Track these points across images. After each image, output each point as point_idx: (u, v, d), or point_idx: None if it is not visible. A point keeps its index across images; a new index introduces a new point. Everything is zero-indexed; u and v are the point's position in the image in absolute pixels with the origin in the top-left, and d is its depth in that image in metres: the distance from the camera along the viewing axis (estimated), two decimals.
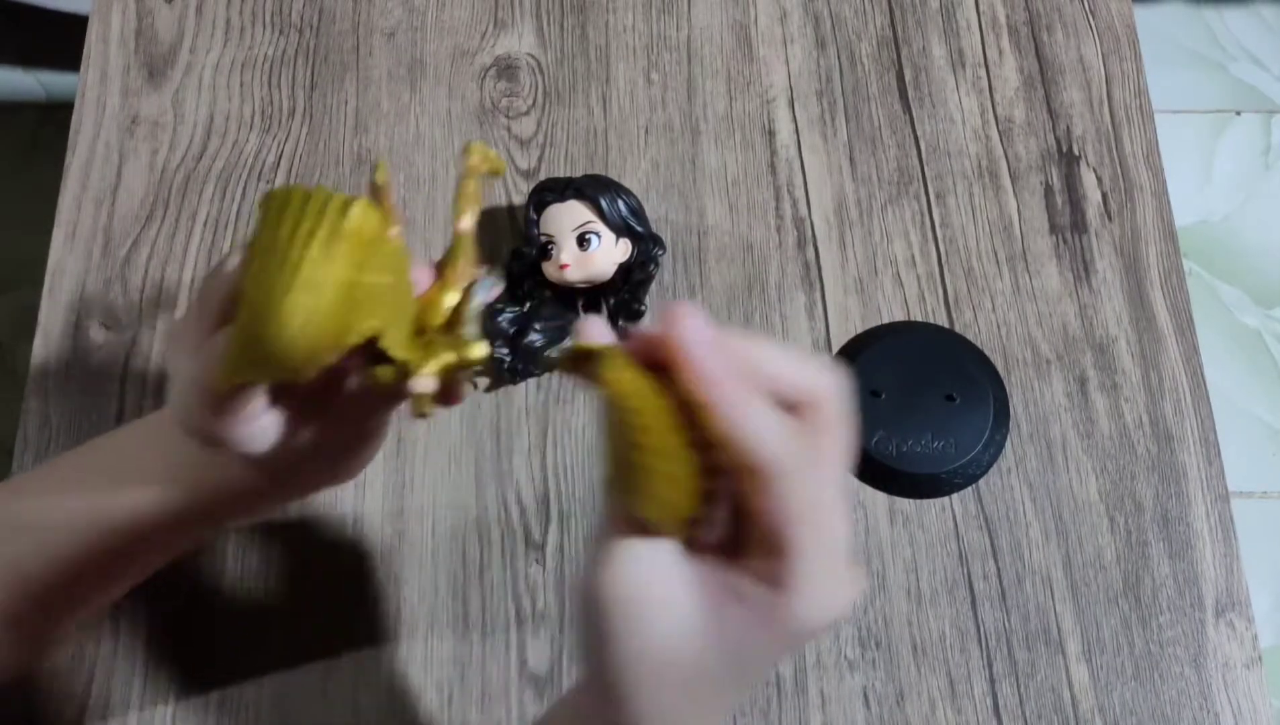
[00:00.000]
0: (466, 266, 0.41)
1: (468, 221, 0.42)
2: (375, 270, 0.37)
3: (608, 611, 0.32)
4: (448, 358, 0.39)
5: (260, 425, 0.40)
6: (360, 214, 0.36)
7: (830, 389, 0.33)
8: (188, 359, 0.40)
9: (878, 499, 0.65)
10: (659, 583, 0.33)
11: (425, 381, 0.38)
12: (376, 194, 0.39)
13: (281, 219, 0.35)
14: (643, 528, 0.33)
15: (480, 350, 0.40)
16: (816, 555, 0.32)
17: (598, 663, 0.34)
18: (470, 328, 0.40)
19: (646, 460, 0.31)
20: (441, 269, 0.41)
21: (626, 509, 0.33)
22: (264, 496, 0.46)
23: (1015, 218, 0.72)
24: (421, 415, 0.39)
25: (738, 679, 0.35)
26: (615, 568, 0.33)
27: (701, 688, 0.34)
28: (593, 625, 0.33)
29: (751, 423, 0.31)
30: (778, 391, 0.33)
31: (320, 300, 0.34)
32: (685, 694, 0.33)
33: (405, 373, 0.38)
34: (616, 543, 0.33)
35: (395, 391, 0.39)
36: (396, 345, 0.38)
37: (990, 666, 0.61)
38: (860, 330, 0.68)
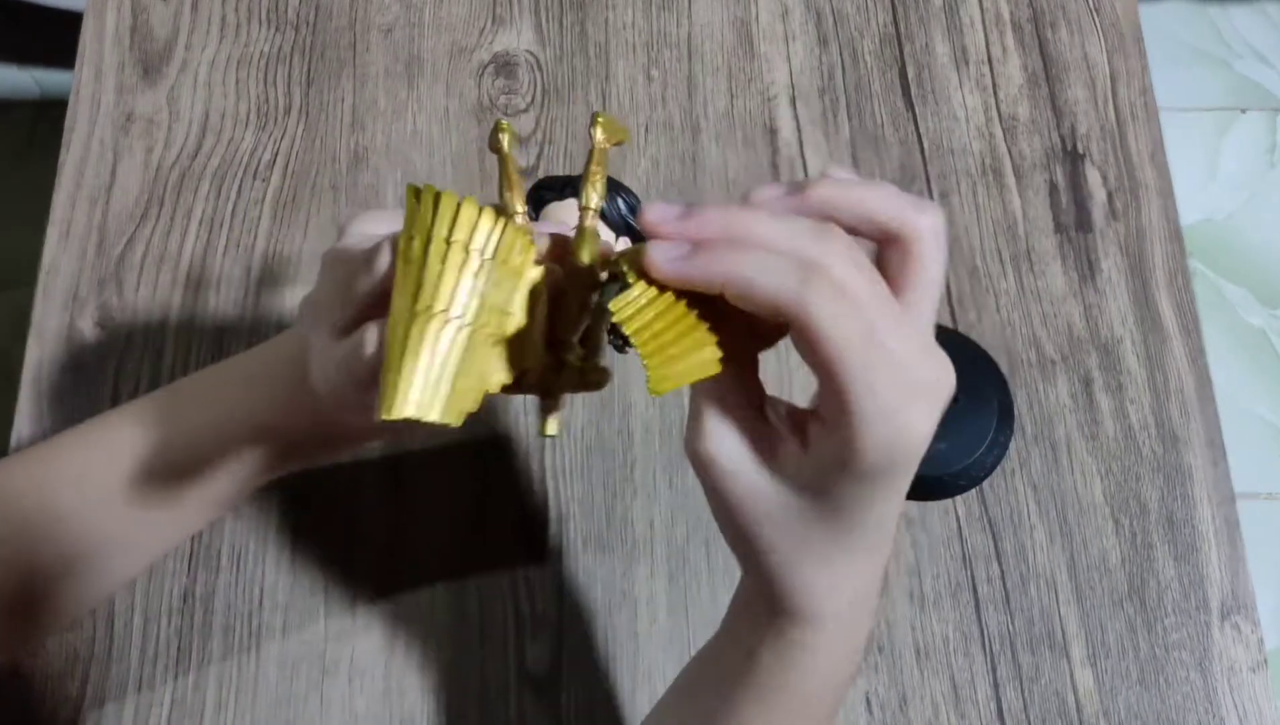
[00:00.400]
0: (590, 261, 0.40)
1: (594, 207, 0.41)
2: (516, 305, 0.37)
3: (701, 470, 0.37)
4: (577, 387, 0.39)
5: None
6: (514, 250, 0.36)
7: (921, 222, 0.36)
8: (330, 339, 0.41)
9: None
10: (730, 443, 0.36)
11: (554, 419, 0.39)
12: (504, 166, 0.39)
13: (430, 238, 0.35)
14: (716, 396, 0.36)
15: (607, 375, 0.40)
16: (865, 378, 0.32)
17: (715, 514, 0.38)
18: (602, 352, 0.40)
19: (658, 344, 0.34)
20: (565, 263, 0.40)
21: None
22: (348, 439, 0.49)
23: (1019, 217, 0.71)
24: (550, 436, 0.40)
25: (844, 523, 0.37)
26: (695, 433, 0.37)
27: (809, 531, 0.37)
28: (700, 481, 0.38)
29: (757, 283, 0.33)
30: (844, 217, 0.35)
31: (447, 392, 0.34)
32: (792, 536, 0.37)
33: (541, 399, 0.39)
34: (699, 410, 0.37)
35: None
36: (532, 378, 0.38)
37: (994, 671, 0.61)
38: None
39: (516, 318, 0.37)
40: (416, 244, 0.35)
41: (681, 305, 0.34)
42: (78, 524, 0.48)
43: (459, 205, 0.35)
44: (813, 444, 0.35)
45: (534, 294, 0.38)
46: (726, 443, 0.36)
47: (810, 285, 0.32)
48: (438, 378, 0.34)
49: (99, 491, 0.48)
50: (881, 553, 0.40)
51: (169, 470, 0.48)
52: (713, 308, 0.34)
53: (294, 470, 0.50)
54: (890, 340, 0.33)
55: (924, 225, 0.37)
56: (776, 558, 0.38)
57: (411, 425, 0.34)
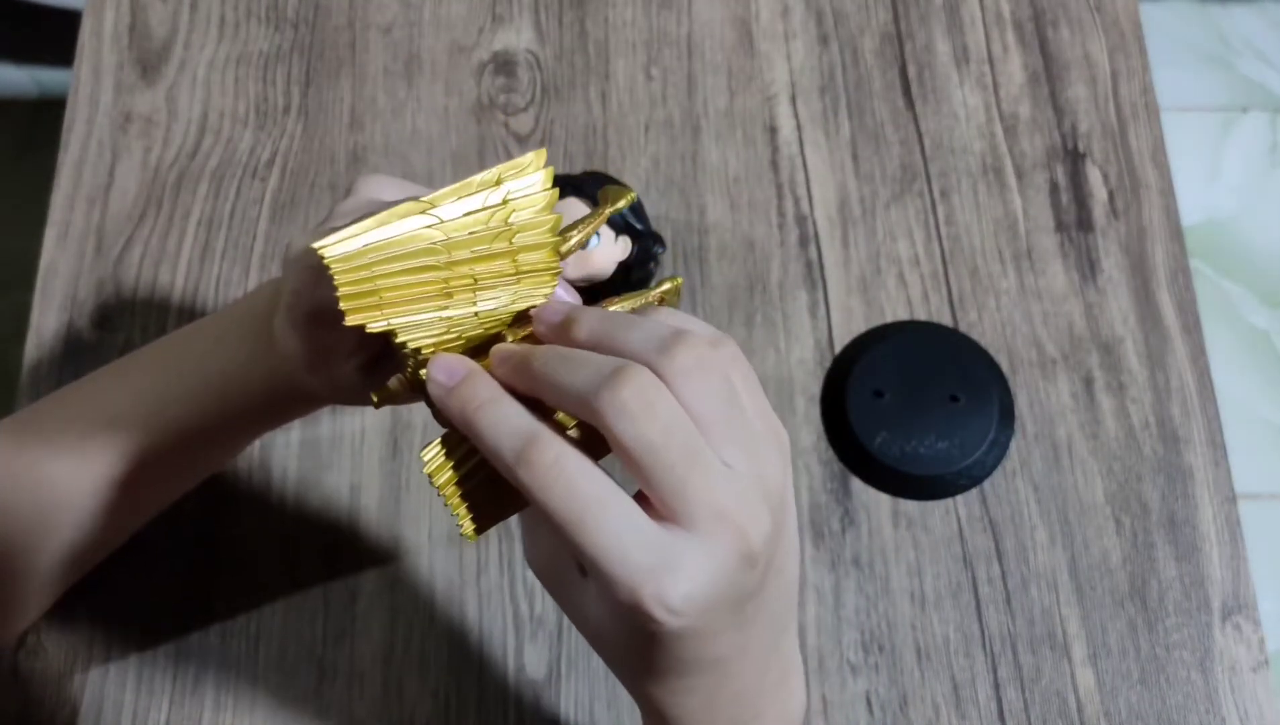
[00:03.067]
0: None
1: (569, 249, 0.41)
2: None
3: (540, 581, 0.38)
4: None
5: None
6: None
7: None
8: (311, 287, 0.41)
9: (881, 501, 0.64)
10: (545, 559, 0.37)
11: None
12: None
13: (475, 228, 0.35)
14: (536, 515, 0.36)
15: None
16: (604, 535, 0.32)
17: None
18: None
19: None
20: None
21: None
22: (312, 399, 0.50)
23: (1020, 216, 0.71)
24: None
25: (658, 658, 0.35)
26: (529, 544, 0.38)
27: (632, 655, 0.36)
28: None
29: (489, 441, 0.34)
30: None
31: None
32: (621, 654, 0.36)
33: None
34: (524, 522, 0.38)
35: None
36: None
37: (995, 671, 0.61)
38: (863, 330, 0.68)
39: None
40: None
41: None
42: (59, 488, 0.49)
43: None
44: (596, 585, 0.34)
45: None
46: (543, 558, 0.37)
47: (608, 389, 0.32)
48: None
49: (75, 457, 0.49)
50: (746, 662, 0.37)
51: (142, 432, 0.49)
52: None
53: (273, 428, 0.52)
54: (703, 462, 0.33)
55: (670, 367, 0.33)
56: (616, 671, 0.37)
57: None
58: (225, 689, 0.60)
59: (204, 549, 0.62)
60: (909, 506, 0.64)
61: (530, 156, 0.36)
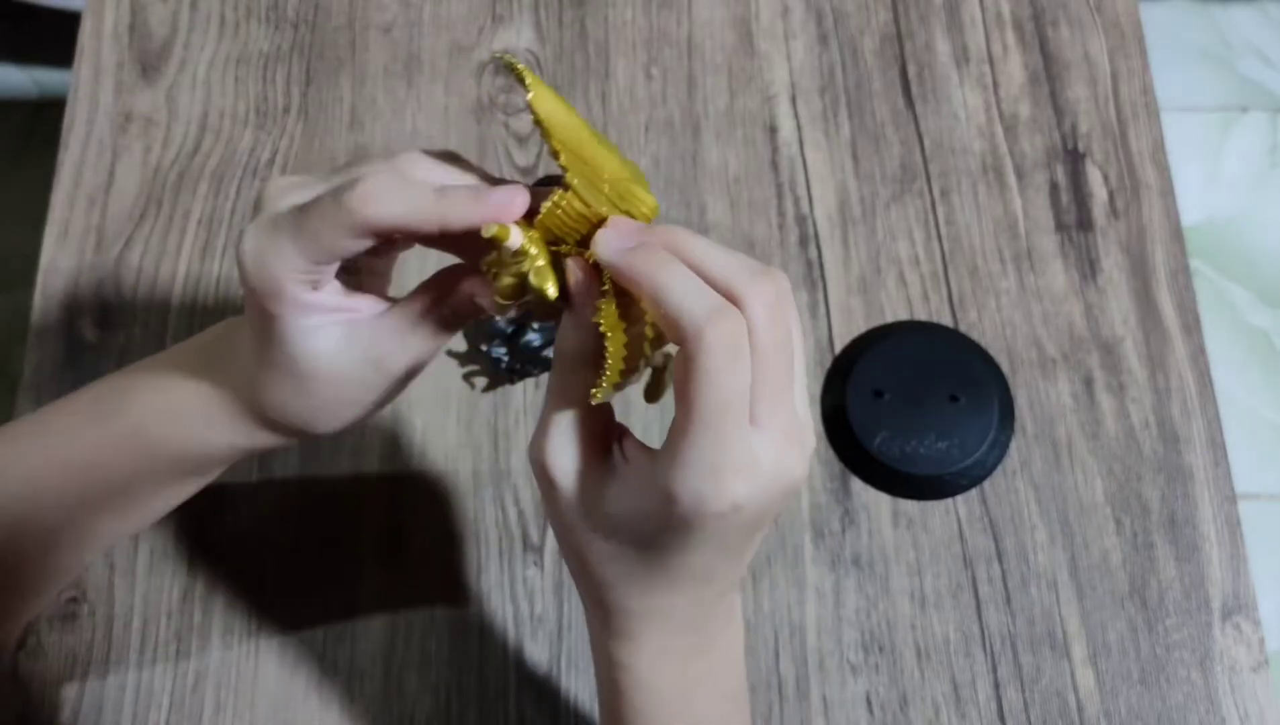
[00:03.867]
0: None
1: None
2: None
3: (538, 477, 0.39)
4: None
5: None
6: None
7: (752, 290, 0.35)
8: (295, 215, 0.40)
9: (881, 501, 0.64)
10: (567, 459, 0.38)
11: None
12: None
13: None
14: (575, 400, 0.38)
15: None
16: (708, 427, 0.34)
17: (550, 522, 0.41)
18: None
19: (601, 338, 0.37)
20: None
21: (567, 382, 0.38)
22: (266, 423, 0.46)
23: (1020, 216, 0.71)
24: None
25: (660, 561, 0.38)
26: (538, 440, 0.39)
27: (628, 559, 0.38)
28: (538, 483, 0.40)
29: (673, 292, 0.35)
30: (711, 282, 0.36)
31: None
32: (612, 560, 0.38)
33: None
34: (547, 420, 0.39)
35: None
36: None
37: (995, 671, 0.61)
38: (863, 330, 0.68)
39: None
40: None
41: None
42: (53, 498, 0.48)
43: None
44: (640, 477, 0.37)
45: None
46: (563, 458, 0.38)
47: (713, 325, 0.34)
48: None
49: (62, 472, 0.48)
50: (713, 588, 0.40)
51: (121, 455, 0.47)
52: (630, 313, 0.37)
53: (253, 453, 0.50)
54: (759, 411, 0.35)
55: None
56: (598, 577, 0.39)
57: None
58: (225, 688, 0.60)
59: (204, 548, 0.62)
60: (909, 506, 0.64)
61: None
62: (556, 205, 0.37)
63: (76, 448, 0.47)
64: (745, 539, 0.38)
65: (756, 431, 0.35)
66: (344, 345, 0.42)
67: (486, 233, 0.37)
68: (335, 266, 0.40)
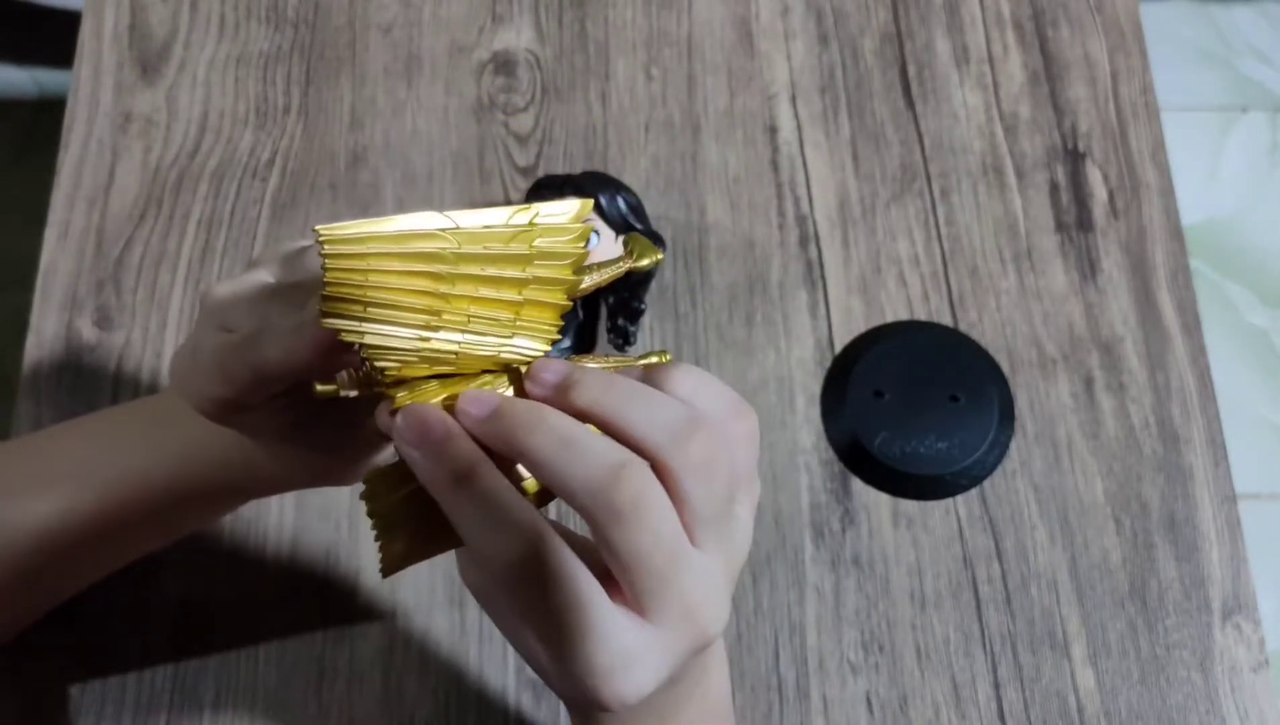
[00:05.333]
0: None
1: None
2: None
3: (474, 597, 0.36)
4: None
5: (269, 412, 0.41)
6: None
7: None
8: (214, 333, 0.40)
9: (881, 501, 0.64)
10: (487, 589, 0.36)
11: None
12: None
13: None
14: None
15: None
16: (585, 620, 0.32)
17: None
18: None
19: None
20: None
21: None
22: (259, 482, 0.47)
23: (1020, 216, 0.71)
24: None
25: (577, 707, 0.37)
26: (465, 564, 0.36)
27: (562, 695, 0.36)
28: None
29: (466, 527, 0.33)
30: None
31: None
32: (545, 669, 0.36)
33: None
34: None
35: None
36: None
37: (995, 671, 0.61)
38: (863, 329, 0.68)
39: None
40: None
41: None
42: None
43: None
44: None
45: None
46: (485, 588, 0.36)
47: (604, 494, 0.31)
48: None
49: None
50: (667, 717, 0.38)
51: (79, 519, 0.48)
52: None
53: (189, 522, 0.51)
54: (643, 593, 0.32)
55: (680, 461, 0.32)
56: (543, 679, 0.37)
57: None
58: (226, 689, 0.59)
59: (204, 549, 0.62)
60: (909, 506, 0.64)
61: (575, 206, 0.34)
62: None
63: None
64: (663, 692, 0.35)
65: (642, 625, 0.33)
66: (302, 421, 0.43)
67: (319, 393, 0.35)
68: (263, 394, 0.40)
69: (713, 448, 0.32)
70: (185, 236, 0.69)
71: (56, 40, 1.15)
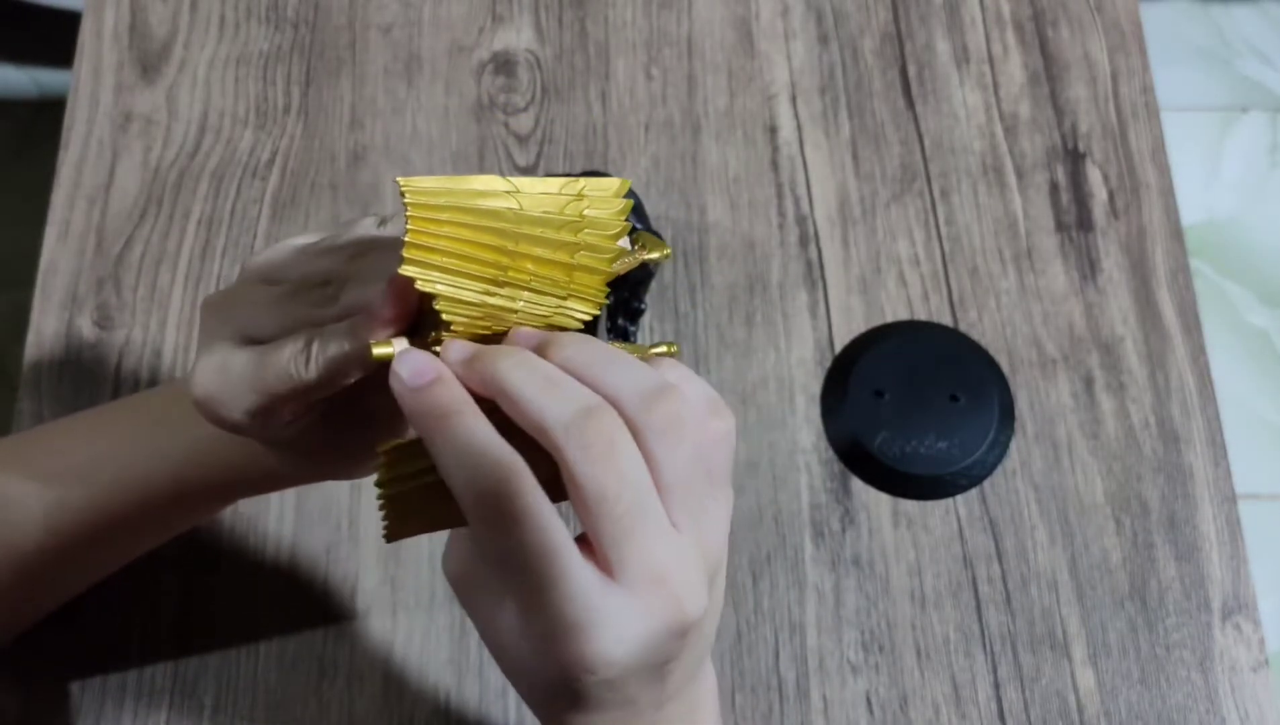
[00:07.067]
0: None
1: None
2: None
3: (453, 589, 0.37)
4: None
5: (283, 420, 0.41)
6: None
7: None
8: (237, 346, 0.39)
9: (881, 501, 0.64)
10: (473, 575, 0.36)
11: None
12: None
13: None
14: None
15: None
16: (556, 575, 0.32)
17: None
18: None
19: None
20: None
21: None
22: (268, 478, 0.47)
23: (1020, 216, 0.71)
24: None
25: (545, 689, 0.36)
26: (450, 551, 0.36)
27: (535, 681, 0.36)
28: None
29: (448, 456, 0.33)
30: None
31: None
32: (522, 677, 0.37)
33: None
34: (452, 533, 0.37)
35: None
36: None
37: (995, 671, 0.61)
38: (863, 329, 0.68)
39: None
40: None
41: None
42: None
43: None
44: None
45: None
46: (463, 571, 0.36)
47: (575, 426, 0.32)
48: None
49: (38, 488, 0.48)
50: (643, 714, 0.37)
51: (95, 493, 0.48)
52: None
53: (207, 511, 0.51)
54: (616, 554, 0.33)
55: (649, 421, 0.33)
56: (522, 692, 0.38)
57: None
58: (226, 688, 0.59)
59: (204, 548, 0.62)
60: (909, 506, 0.64)
61: (616, 183, 0.35)
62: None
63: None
64: (644, 680, 0.35)
65: (610, 584, 0.33)
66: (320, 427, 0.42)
67: (376, 357, 0.35)
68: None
69: (681, 415, 0.33)
70: (185, 236, 0.69)
71: (56, 40, 1.15)
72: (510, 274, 0.34)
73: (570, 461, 0.32)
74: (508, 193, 0.34)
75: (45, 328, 0.67)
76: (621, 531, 0.32)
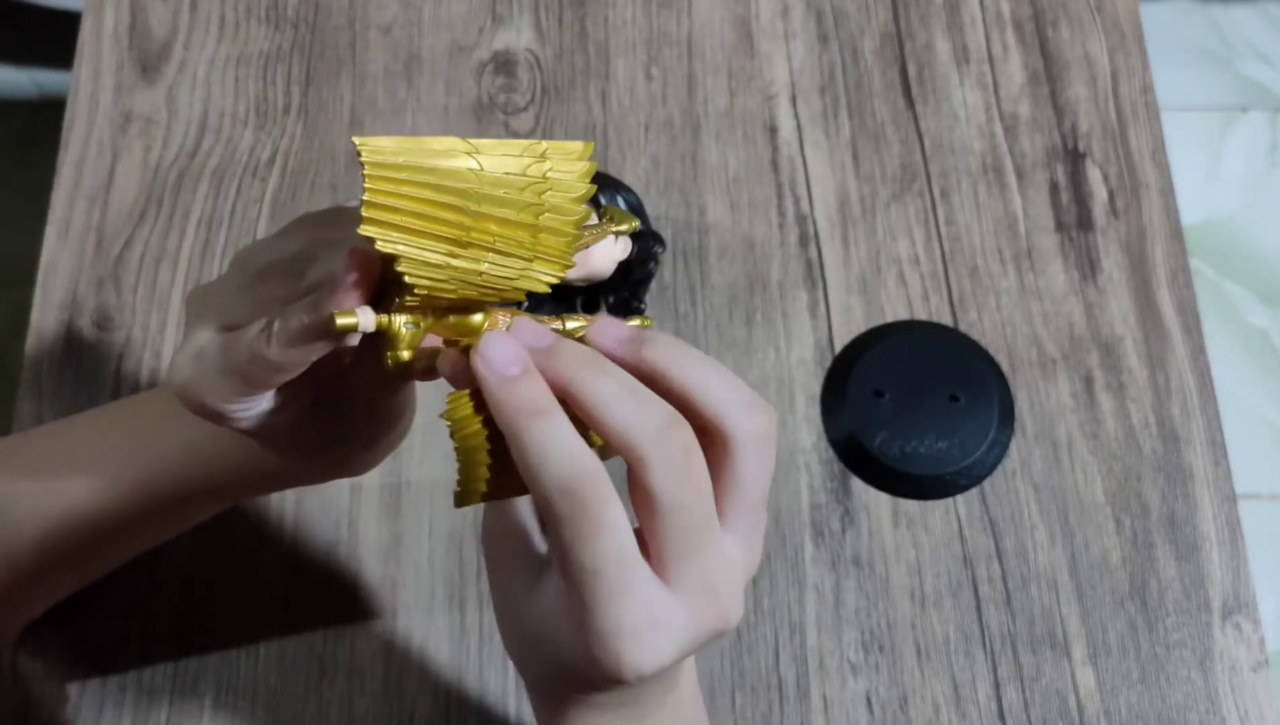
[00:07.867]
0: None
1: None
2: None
3: (485, 557, 0.38)
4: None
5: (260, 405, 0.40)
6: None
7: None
8: (215, 333, 0.39)
9: (881, 500, 0.64)
10: (509, 542, 0.37)
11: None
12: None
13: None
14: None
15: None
16: (609, 583, 0.32)
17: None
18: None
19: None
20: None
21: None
22: (267, 478, 0.47)
23: (1020, 215, 0.71)
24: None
25: (564, 679, 0.37)
26: (487, 524, 0.38)
27: (544, 664, 0.37)
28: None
29: (535, 456, 0.32)
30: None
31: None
32: (528, 656, 0.38)
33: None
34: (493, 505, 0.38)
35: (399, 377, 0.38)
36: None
37: (995, 670, 0.61)
38: (863, 329, 0.68)
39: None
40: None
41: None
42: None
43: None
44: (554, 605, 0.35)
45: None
46: (502, 549, 0.37)
47: (662, 439, 0.32)
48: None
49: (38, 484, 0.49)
50: (651, 708, 0.39)
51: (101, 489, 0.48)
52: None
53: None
54: (669, 567, 0.33)
55: (749, 429, 0.34)
56: (533, 678, 0.39)
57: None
58: (226, 688, 0.59)
59: (204, 547, 0.62)
60: (909, 506, 0.64)
61: (580, 145, 0.35)
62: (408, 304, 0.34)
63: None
64: (658, 686, 0.36)
65: (669, 594, 0.33)
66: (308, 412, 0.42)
67: (339, 326, 0.34)
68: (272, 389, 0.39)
69: (773, 433, 0.34)
70: (185, 236, 0.69)
71: (56, 40, 1.15)
72: (474, 235, 0.34)
73: (652, 474, 0.32)
74: (468, 154, 0.33)
75: (45, 328, 0.67)
76: (689, 546, 0.33)
